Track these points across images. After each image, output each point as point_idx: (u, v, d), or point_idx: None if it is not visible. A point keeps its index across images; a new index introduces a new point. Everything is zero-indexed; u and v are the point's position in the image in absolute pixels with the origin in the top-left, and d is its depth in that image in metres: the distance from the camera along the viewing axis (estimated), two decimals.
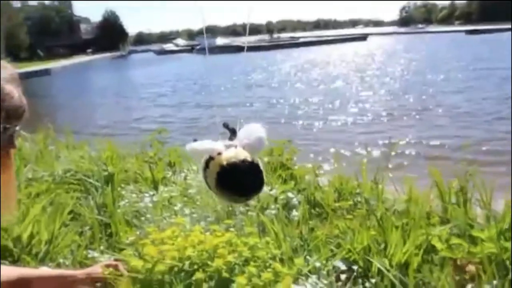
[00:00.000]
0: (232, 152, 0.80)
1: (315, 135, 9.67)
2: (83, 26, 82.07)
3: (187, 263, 1.56)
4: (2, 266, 1.27)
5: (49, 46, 62.24)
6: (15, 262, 1.83)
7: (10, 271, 1.24)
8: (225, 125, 0.92)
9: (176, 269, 1.53)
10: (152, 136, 3.50)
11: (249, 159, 0.79)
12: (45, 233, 2.01)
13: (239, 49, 47.80)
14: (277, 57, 38.87)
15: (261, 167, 0.81)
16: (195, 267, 1.56)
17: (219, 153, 0.79)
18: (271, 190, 2.44)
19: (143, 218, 2.24)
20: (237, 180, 0.78)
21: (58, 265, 1.92)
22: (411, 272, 1.72)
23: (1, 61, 0.96)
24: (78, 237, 2.16)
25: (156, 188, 2.74)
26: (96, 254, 1.91)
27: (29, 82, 29.86)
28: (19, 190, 2.62)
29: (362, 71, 23.29)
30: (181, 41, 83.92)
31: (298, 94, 16.71)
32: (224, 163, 0.78)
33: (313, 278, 1.65)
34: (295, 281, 1.64)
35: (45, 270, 1.41)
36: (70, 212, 2.51)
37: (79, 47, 67.90)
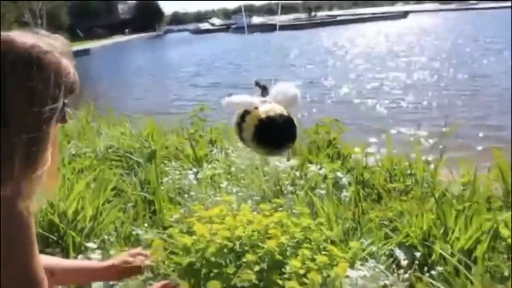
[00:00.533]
0: (268, 106, 0.81)
1: (356, 116, 9.36)
2: (120, 7, 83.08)
3: (237, 243, 1.49)
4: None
5: (88, 27, 63.41)
6: (61, 237, 1.82)
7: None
8: (257, 83, 1.00)
9: (225, 249, 1.46)
10: (193, 113, 3.44)
11: (285, 113, 0.81)
12: (89, 209, 1.99)
13: (275, 27, 47.20)
14: (315, 36, 38.13)
15: (295, 122, 0.82)
16: (246, 248, 1.48)
17: (256, 107, 0.81)
18: (320, 169, 2.33)
19: (186, 196, 2.19)
20: (275, 133, 0.81)
21: (103, 242, 1.89)
22: (480, 260, 1.58)
23: (55, 35, 0.91)
24: (121, 214, 2.13)
25: (198, 165, 2.68)
26: (140, 232, 1.86)
27: None
28: (63, 166, 2.62)
29: (404, 50, 22.49)
30: (216, 20, 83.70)
31: (337, 74, 16.28)
32: (263, 116, 0.80)
33: (371, 262, 1.54)
34: (351, 265, 1.54)
35: (70, 261, 1.37)
36: (113, 188, 2.49)
37: (117, 27, 68.90)
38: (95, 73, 25.09)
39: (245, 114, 0.83)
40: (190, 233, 1.73)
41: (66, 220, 1.85)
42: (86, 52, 36.59)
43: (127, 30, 65.98)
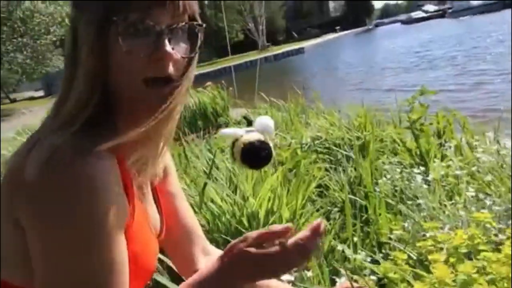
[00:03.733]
0: (249, 135, 0.99)
1: None
2: (331, 5, 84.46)
3: None
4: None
5: (302, 28, 66.54)
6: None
7: None
8: (245, 117, 1.11)
9: None
10: (413, 98, 2.76)
11: (262, 138, 0.97)
12: (286, 209, 1.59)
13: (499, 7, 40.52)
14: None
15: (271, 144, 0.96)
16: None
17: (241, 136, 0.99)
18: None
19: (410, 203, 1.59)
20: (255, 154, 0.96)
21: None
22: None
23: None
24: (325, 220, 1.68)
25: (423, 163, 2.04)
26: (347, 251, 1.36)
27: (286, 60, 33.14)
28: None
29: None
30: (430, 7, 77.12)
31: None
32: (246, 141, 0.99)
33: None
34: None
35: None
36: (318, 186, 2.07)
37: (329, 26, 70.36)
38: (308, 69, 25.79)
39: (234, 141, 1.01)
40: (422, 263, 1.15)
41: (255, 222, 1.47)
42: (300, 51, 38.29)
43: (337, 28, 66.66)
